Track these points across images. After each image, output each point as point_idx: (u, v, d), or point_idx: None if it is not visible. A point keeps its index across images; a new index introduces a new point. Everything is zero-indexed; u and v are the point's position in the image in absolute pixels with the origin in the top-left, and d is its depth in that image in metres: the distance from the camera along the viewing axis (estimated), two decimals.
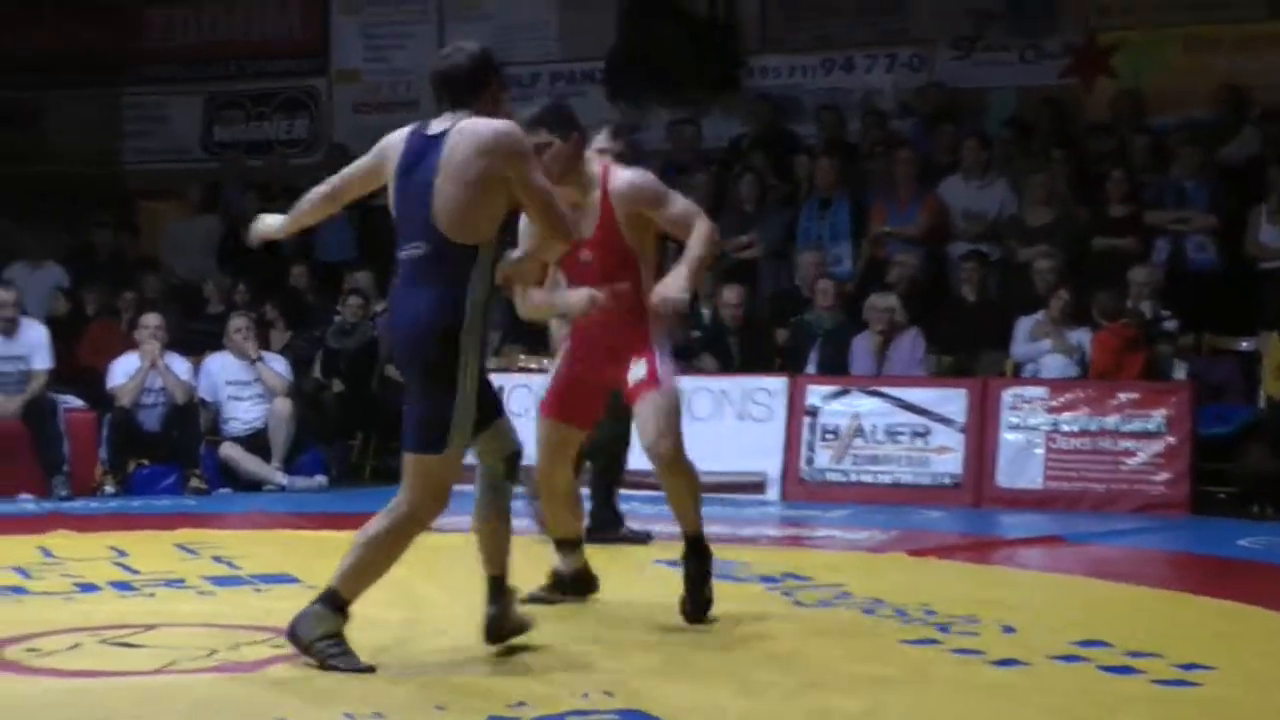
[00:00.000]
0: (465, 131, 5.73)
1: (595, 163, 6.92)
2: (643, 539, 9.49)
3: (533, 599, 6.73)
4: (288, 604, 7.20)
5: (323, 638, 5.61)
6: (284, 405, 13.48)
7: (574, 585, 7.21)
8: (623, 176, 6.82)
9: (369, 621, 5.95)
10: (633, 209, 6.74)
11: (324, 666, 5.56)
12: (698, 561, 6.84)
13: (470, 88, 5.86)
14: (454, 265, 5.70)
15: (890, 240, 14.28)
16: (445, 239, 5.69)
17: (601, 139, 7.40)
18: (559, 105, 7.10)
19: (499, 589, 6.06)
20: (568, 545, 7.20)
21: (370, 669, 5.56)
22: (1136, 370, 12.28)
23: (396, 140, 5.93)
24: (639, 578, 8.31)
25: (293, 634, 5.69)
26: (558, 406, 6.96)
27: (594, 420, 7.22)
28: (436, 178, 5.69)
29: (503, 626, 6.03)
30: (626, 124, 16.54)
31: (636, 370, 6.73)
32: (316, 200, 6.37)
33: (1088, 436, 12.13)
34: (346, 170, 6.28)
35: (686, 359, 13.54)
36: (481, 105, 5.84)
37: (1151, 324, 12.77)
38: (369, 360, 14.60)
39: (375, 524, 5.87)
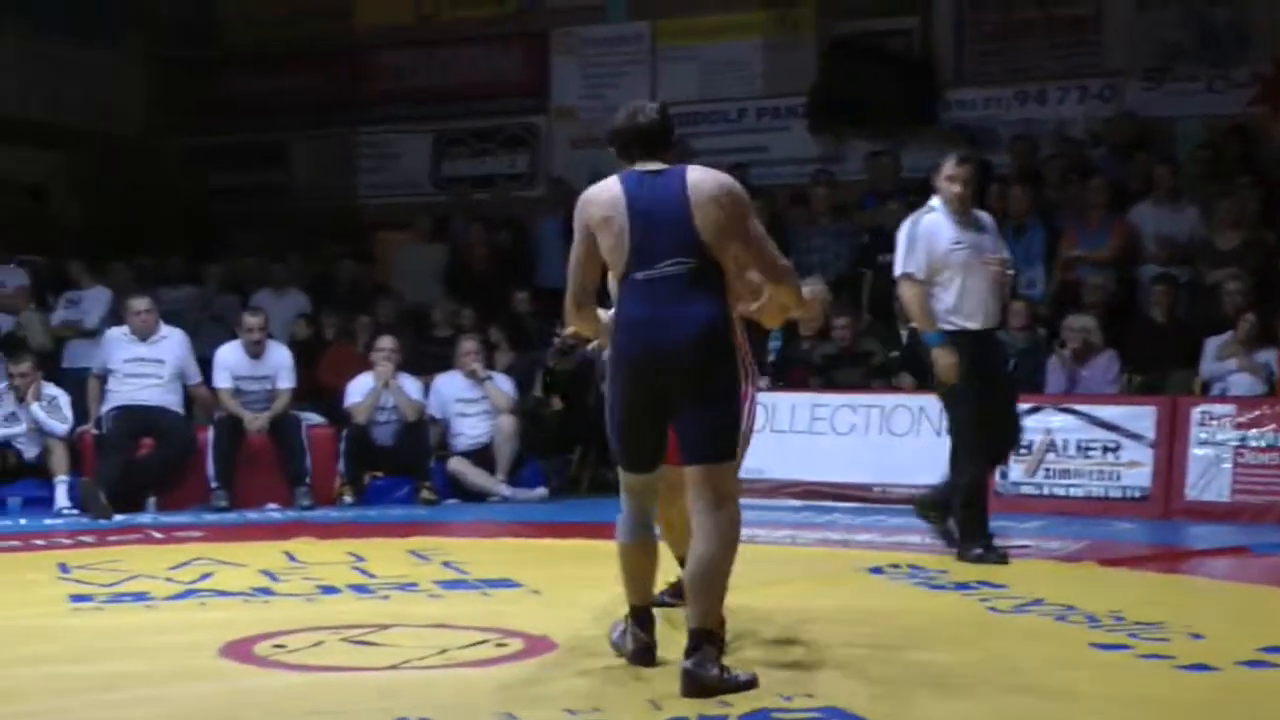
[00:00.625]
0: (699, 171, 5.75)
1: None
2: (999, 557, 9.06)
3: (659, 602, 6.33)
4: (511, 607, 7.35)
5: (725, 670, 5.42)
6: (508, 422, 13.60)
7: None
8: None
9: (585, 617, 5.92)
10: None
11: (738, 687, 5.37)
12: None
13: (663, 141, 5.85)
14: (717, 278, 5.68)
15: (1080, 264, 14.13)
16: (710, 253, 5.63)
17: None
18: None
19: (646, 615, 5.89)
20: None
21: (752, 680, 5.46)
22: None
23: (602, 195, 5.75)
24: (840, 586, 8.29)
25: (700, 690, 5.31)
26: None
27: None
28: (690, 200, 5.62)
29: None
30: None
31: None
32: (580, 311, 6.08)
33: (1275, 451, 11.91)
34: (574, 272, 5.95)
35: (884, 377, 13.52)
36: (669, 156, 5.83)
37: None
38: (586, 379, 14.70)
39: (704, 553, 5.56)
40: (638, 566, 5.85)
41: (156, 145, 19.89)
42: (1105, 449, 12.36)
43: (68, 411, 12.58)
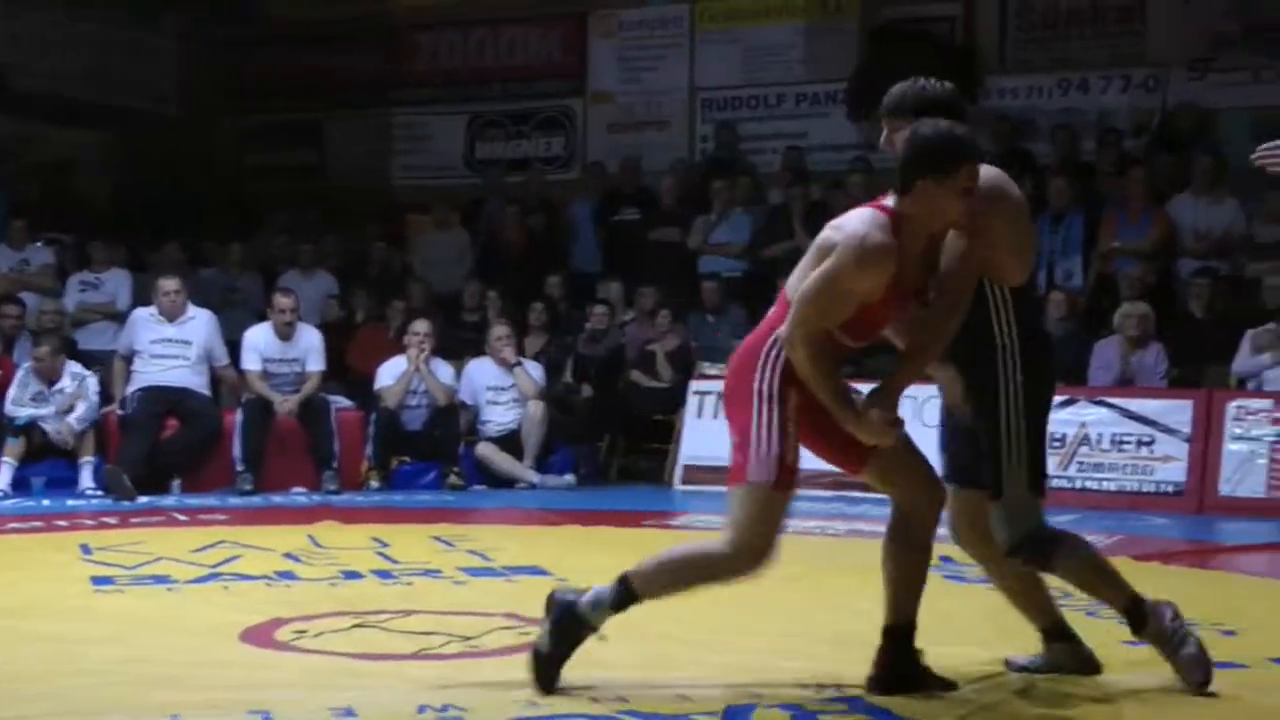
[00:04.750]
0: None
1: None
2: None
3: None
4: (536, 594, 7.33)
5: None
6: (537, 408, 13.61)
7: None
8: None
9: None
10: None
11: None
12: None
13: None
14: None
15: (1119, 255, 14.09)
16: None
17: None
18: None
19: None
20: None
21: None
22: None
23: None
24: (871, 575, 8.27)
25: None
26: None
27: None
28: None
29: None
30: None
31: None
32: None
33: None
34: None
35: None
36: None
37: None
38: (616, 366, 14.72)
39: None
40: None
41: (193, 125, 19.99)
42: (1140, 443, 12.34)
43: (93, 392, 12.63)
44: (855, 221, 5.09)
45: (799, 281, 5.14)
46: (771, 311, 5.30)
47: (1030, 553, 5.39)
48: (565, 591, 5.37)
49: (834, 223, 5.20)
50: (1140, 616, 5.46)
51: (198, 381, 13.01)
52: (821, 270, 5.03)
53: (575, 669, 5.33)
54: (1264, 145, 7.09)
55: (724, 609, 6.16)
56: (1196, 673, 5.35)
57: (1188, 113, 15.70)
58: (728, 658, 5.81)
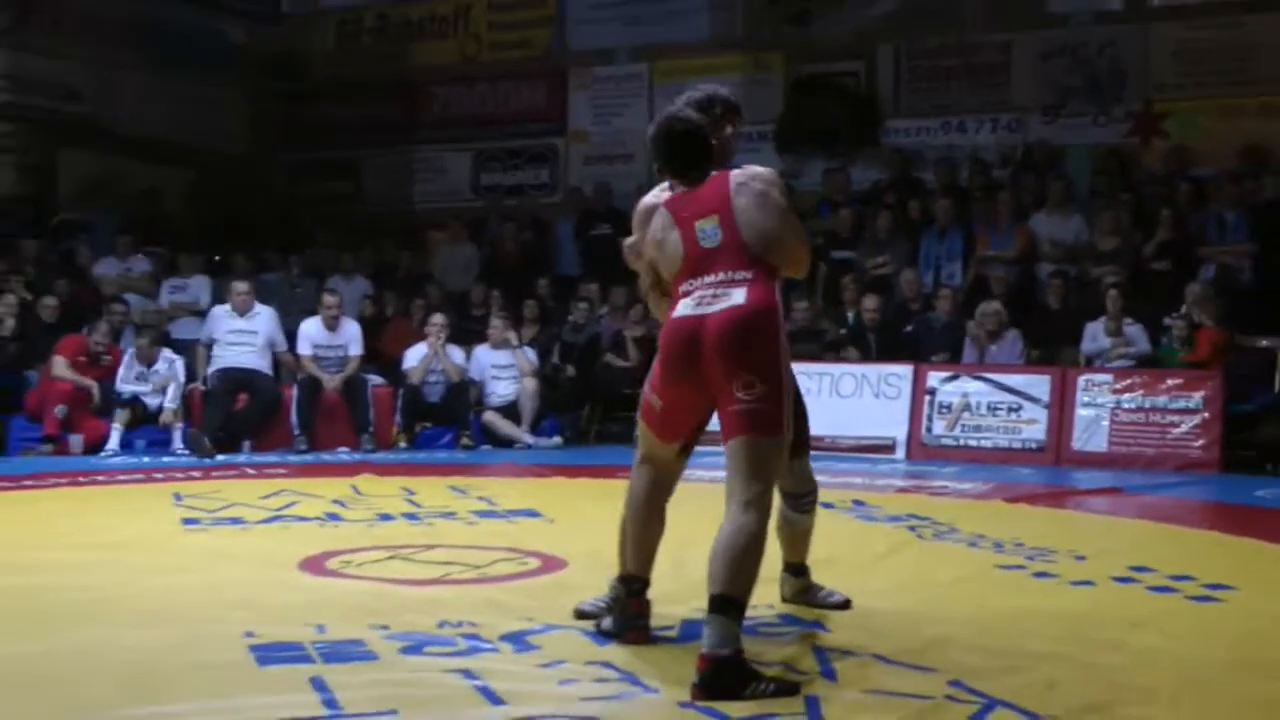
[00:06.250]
0: None
1: None
2: None
3: None
4: (532, 532, 7.34)
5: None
6: (531, 383, 13.59)
7: None
8: None
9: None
10: None
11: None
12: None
13: None
14: None
15: (991, 262, 14.12)
16: None
17: None
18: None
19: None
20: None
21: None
22: (1217, 359, 12.13)
23: None
24: None
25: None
26: None
27: None
28: None
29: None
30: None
31: None
32: None
33: (1142, 412, 11.91)
34: None
35: (834, 351, 13.52)
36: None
37: (1199, 327, 12.55)
38: (594, 350, 14.70)
39: None
40: None
41: (255, 160, 19.98)
42: (1010, 409, 12.36)
43: (180, 373, 12.60)
44: (751, 169, 4.71)
45: (760, 217, 4.57)
46: (750, 278, 4.52)
47: (808, 505, 5.35)
48: (716, 650, 4.09)
49: (740, 174, 4.67)
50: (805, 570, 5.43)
51: (263, 364, 12.95)
52: (786, 211, 4.64)
53: (563, 590, 5.33)
54: None
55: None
56: (836, 597, 5.35)
57: (1042, 148, 15.72)
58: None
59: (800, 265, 4.78)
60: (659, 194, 4.88)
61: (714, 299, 4.50)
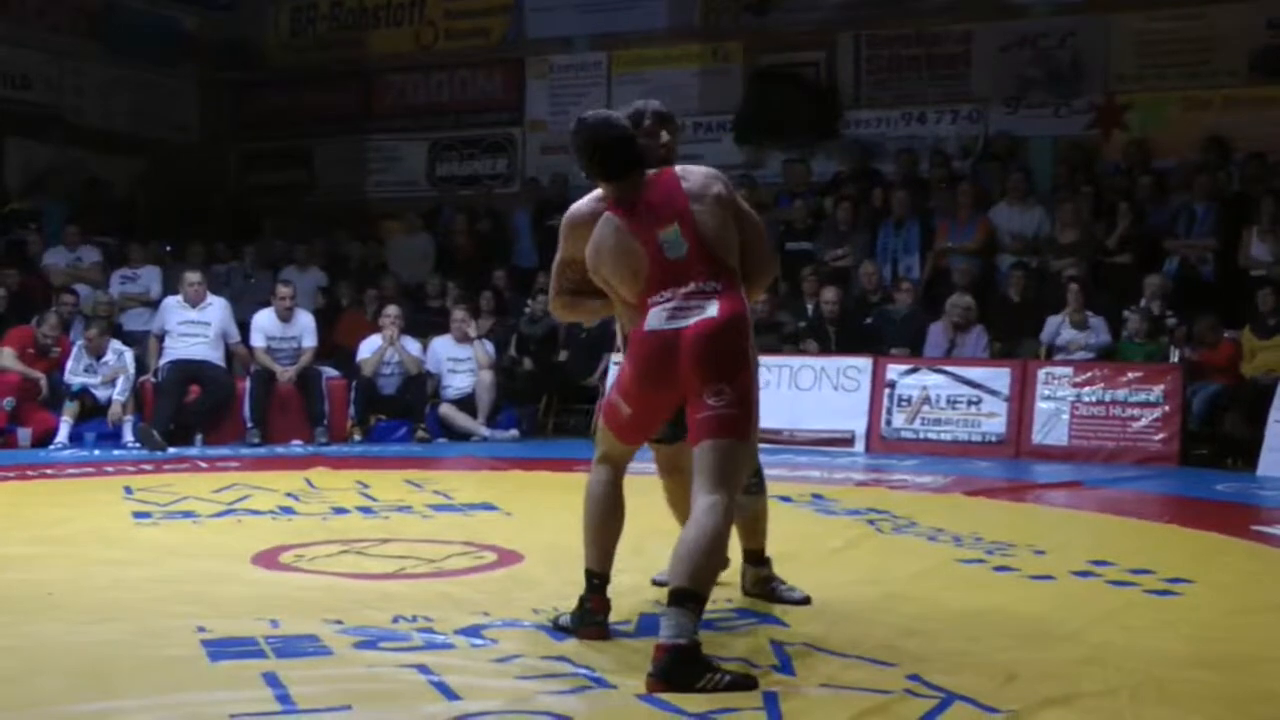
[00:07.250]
0: None
1: None
2: None
3: None
4: (488, 526, 7.32)
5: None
6: (488, 376, 13.58)
7: None
8: None
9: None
10: None
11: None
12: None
13: None
14: None
15: (950, 254, 14.17)
16: None
17: None
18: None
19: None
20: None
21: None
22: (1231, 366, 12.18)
23: None
24: None
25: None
26: None
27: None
28: None
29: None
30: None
31: None
32: None
33: (1102, 405, 11.99)
34: None
35: (793, 343, 13.55)
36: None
37: (1159, 320, 12.64)
38: (551, 343, 14.68)
39: None
40: None
41: (208, 149, 19.89)
42: (969, 402, 12.41)
43: (131, 365, 12.53)
44: (693, 170, 4.72)
45: (719, 223, 4.57)
46: (720, 287, 4.52)
47: (758, 486, 5.37)
48: (673, 639, 4.07)
49: (692, 180, 4.66)
50: (766, 560, 5.45)
51: (215, 355, 12.88)
52: (752, 215, 4.74)
53: (520, 584, 5.31)
54: None
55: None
56: (796, 594, 5.36)
57: (1003, 139, 15.76)
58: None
59: (768, 273, 4.84)
60: (593, 203, 4.89)
61: (687, 312, 4.50)
